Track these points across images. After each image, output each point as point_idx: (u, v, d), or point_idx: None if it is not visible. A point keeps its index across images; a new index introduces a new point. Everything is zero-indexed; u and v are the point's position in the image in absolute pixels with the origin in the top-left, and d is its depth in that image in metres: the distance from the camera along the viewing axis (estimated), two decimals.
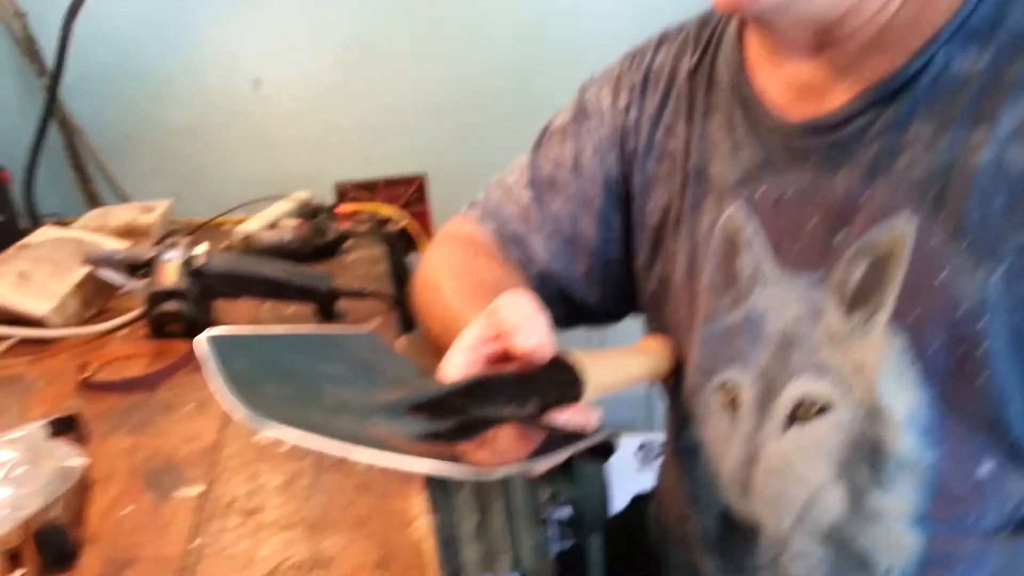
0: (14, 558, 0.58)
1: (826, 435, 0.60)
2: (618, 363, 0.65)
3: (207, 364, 0.44)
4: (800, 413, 0.62)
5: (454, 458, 0.43)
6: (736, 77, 0.66)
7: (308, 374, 0.49)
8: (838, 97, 0.59)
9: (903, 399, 0.56)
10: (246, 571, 0.57)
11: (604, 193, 0.78)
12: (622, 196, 0.78)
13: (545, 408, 0.52)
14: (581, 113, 0.80)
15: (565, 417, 0.51)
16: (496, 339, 0.54)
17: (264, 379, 0.45)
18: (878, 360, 0.57)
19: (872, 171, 0.57)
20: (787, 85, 0.62)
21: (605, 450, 0.50)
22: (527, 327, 0.52)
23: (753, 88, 0.65)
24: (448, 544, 0.66)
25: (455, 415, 0.48)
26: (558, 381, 0.54)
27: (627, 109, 0.76)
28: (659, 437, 1.71)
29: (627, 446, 1.73)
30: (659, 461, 0.91)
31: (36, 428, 0.68)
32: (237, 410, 0.40)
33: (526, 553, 0.66)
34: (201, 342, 0.45)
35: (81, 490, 0.65)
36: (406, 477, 0.66)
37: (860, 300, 0.58)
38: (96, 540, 0.61)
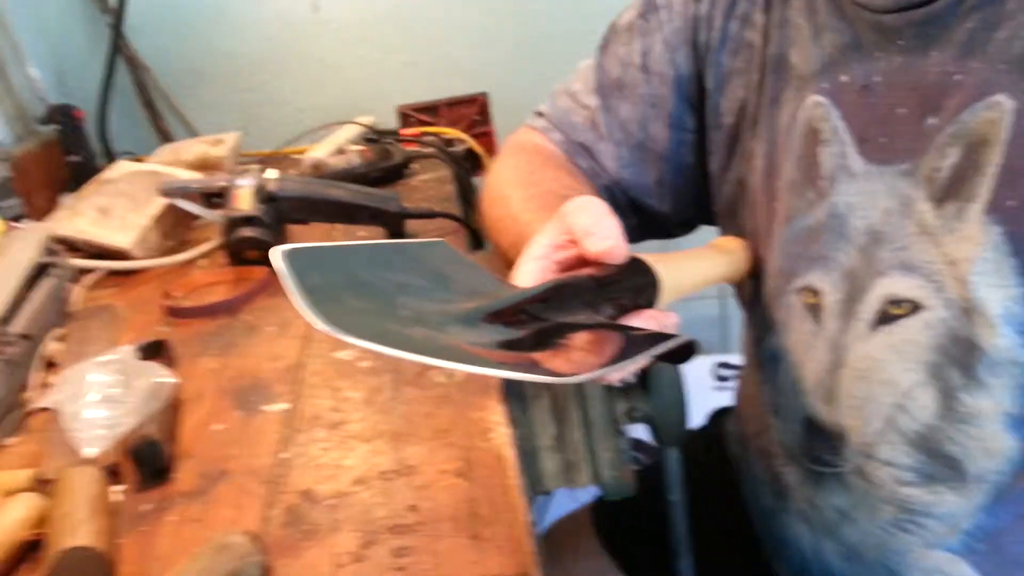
0: (114, 474, 0.61)
1: (916, 335, 0.58)
2: (692, 264, 0.63)
3: (283, 279, 0.44)
4: (888, 313, 0.59)
5: (531, 365, 0.43)
6: None
7: (383, 285, 0.49)
8: None
9: (998, 294, 0.54)
10: (333, 479, 0.59)
11: (675, 92, 0.75)
12: (695, 94, 0.75)
13: (622, 312, 0.51)
14: (649, 6, 0.76)
15: (642, 321, 0.50)
16: (567, 245, 0.53)
17: (340, 291, 0.46)
18: (972, 253, 0.54)
19: (967, 48, 0.53)
20: None
21: (686, 352, 0.49)
22: (598, 230, 0.51)
23: None
24: (527, 455, 0.66)
25: (530, 322, 0.47)
26: (633, 284, 0.52)
27: None
28: (735, 358, 1.69)
29: (703, 366, 1.71)
30: (735, 382, 0.89)
31: (127, 352, 0.71)
32: (317, 323, 0.40)
33: (604, 465, 0.66)
34: (277, 256, 0.45)
35: (173, 408, 0.67)
36: (483, 388, 0.66)
37: (953, 190, 0.55)
38: (189, 455, 0.64)
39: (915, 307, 0.58)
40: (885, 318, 0.60)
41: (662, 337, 0.48)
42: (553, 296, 0.49)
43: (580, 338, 0.47)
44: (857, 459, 0.63)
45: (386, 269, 0.52)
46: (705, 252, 0.69)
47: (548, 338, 0.47)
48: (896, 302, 0.59)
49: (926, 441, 0.59)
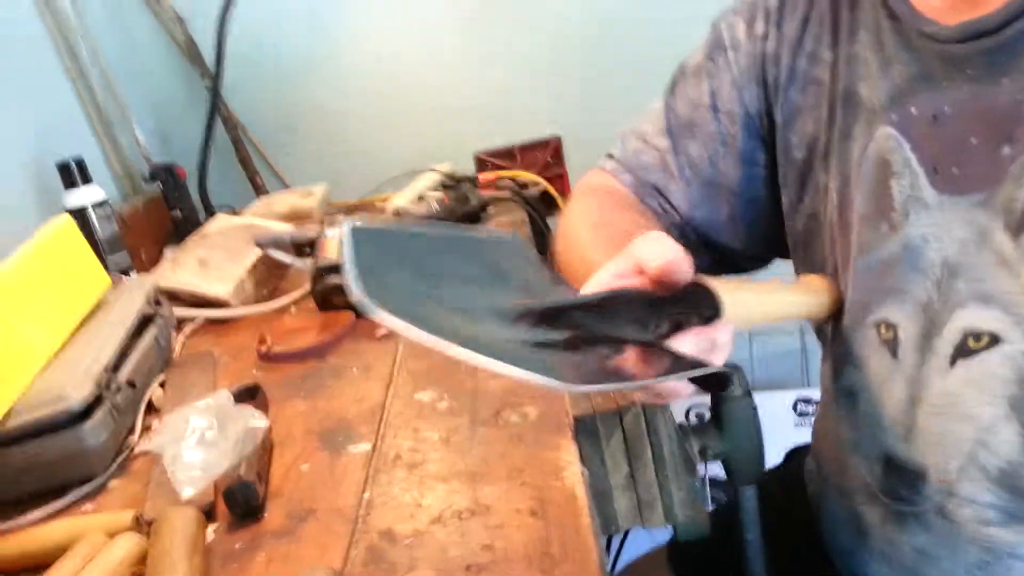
0: (209, 514, 0.65)
1: (996, 369, 0.57)
2: (769, 297, 0.63)
3: (342, 251, 0.46)
4: (967, 347, 0.58)
5: (541, 366, 0.42)
6: None
7: (437, 270, 0.50)
8: None
9: None
10: (412, 519, 0.61)
11: (745, 129, 0.76)
12: (766, 130, 0.75)
13: (677, 329, 0.51)
14: (716, 47, 0.77)
15: (691, 336, 0.50)
16: (633, 275, 0.53)
17: (391, 269, 0.47)
18: None
19: None
20: None
21: (719, 382, 0.49)
22: (661, 250, 0.51)
23: None
24: (600, 494, 0.67)
25: (570, 328, 0.47)
26: (692, 306, 0.52)
27: (765, 37, 0.73)
28: (816, 393, 1.65)
29: (783, 401, 1.68)
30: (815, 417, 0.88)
31: (223, 397, 0.75)
32: (353, 293, 0.42)
33: (677, 505, 0.66)
34: (343, 230, 0.47)
35: (264, 450, 0.71)
36: (557, 427, 0.68)
37: None
38: (279, 495, 0.67)
39: (994, 340, 0.57)
40: (963, 352, 0.58)
41: (694, 364, 0.48)
42: (602, 306, 0.49)
43: (621, 353, 0.48)
44: (938, 497, 0.62)
45: (446, 255, 0.53)
46: (787, 287, 0.69)
47: (583, 346, 0.47)
48: (975, 335, 0.58)
49: (1009, 478, 0.57)
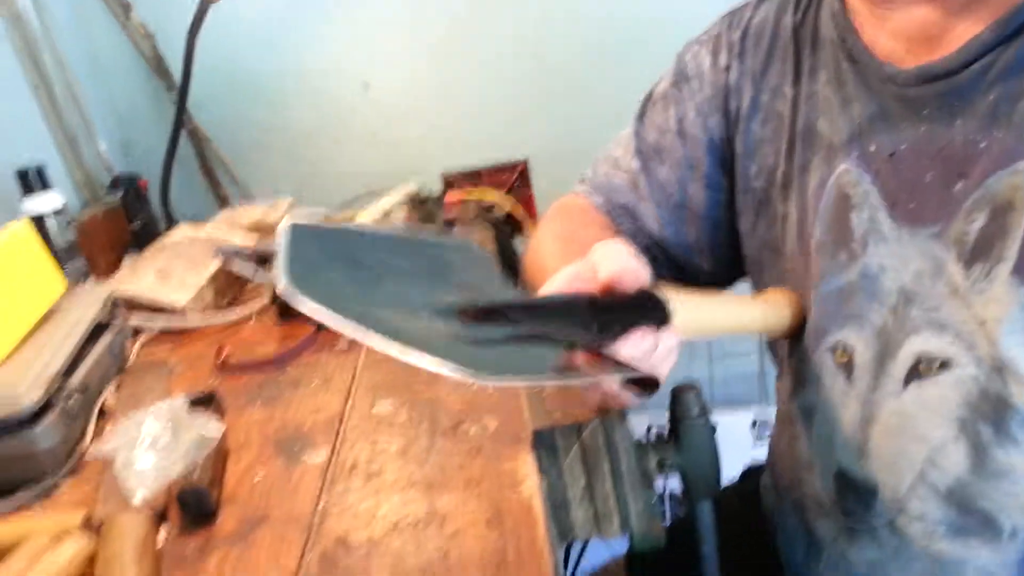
0: (161, 518, 0.64)
1: (947, 392, 0.59)
2: (725, 307, 0.64)
3: (277, 248, 0.45)
4: (919, 371, 0.60)
5: (466, 360, 0.41)
6: (843, 30, 0.65)
7: (376, 267, 0.50)
8: (953, 41, 0.57)
9: None
10: (368, 528, 0.61)
11: (709, 155, 0.78)
12: (727, 158, 0.77)
13: (622, 334, 0.51)
14: (681, 77, 0.79)
15: (636, 338, 0.50)
16: (590, 280, 0.53)
17: (327, 265, 0.46)
18: (1001, 313, 0.55)
19: (991, 118, 0.55)
20: (897, 34, 0.60)
21: (650, 385, 0.50)
22: (614, 257, 0.52)
23: (862, 40, 0.63)
24: (558, 506, 0.67)
25: (506, 326, 0.47)
26: (639, 311, 0.52)
27: (727, 69, 0.75)
28: (773, 413, 1.67)
29: (741, 421, 1.70)
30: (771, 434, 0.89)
31: (178, 402, 0.74)
32: (280, 282, 0.41)
33: (634, 516, 0.66)
34: (282, 228, 0.47)
35: (218, 457, 0.70)
36: (515, 439, 0.68)
37: (980, 252, 0.56)
38: (232, 501, 0.66)
39: (945, 364, 0.59)
40: (916, 375, 0.60)
41: (621, 367, 0.49)
42: (543, 308, 0.49)
43: (552, 352, 0.48)
44: (889, 514, 0.63)
45: (388, 254, 0.52)
46: (746, 299, 0.70)
47: (515, 343, 0.47)
48: (927, 360, 0.60)
49: (957, 496, 0.59)
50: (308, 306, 0.40)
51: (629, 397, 0.53)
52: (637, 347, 0.50)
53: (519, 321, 0.48)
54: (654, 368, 0.52)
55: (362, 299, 0.45)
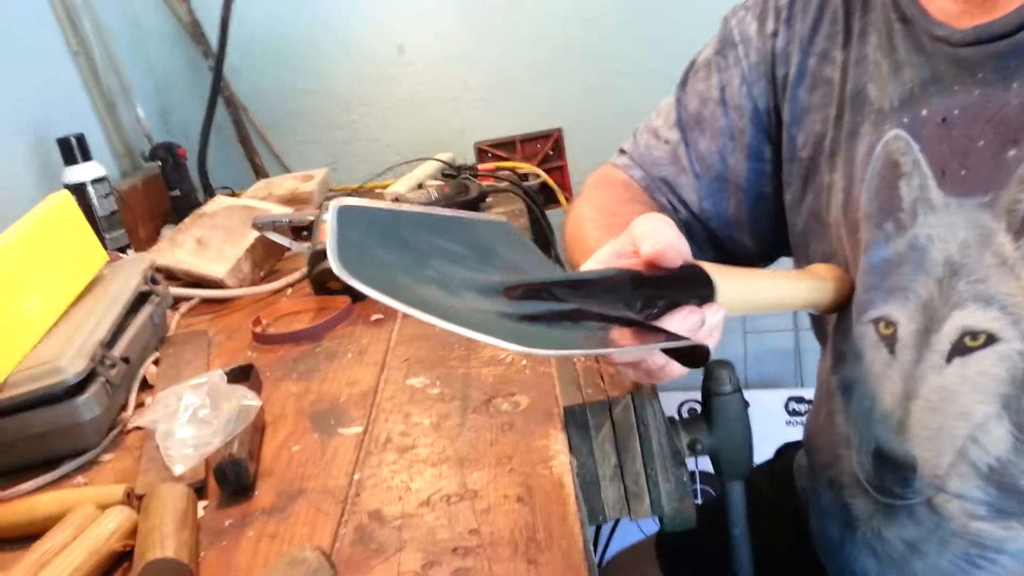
0: (199, 491, 0.66)
1: (991, 368, 0.58)
2: (767, 282, 0.63)
3: (328, 229, 0.46)
4: (963, 345, 0.59)
5: (511, 334, 0.42)
6: None
7: (422, 247, 0.50)
8: (1011, 0, 0.55)
9: None
10: (401, 501, 0.62)
11: (753, 124, 0.76)
12: (773, 127, 0.76)
13: (669, 310, 0.51)
14: (726, 43, 0.78)
15: (681, 316, 0.50)
16: (632, 255, 0.54)
17: (375, 245, 0.47)
18: None
19: None
20: None
21: (699, 357, 0.49)
22: (655, 234, 0.52)
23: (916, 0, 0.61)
24: (588, 484, 0.68)
25: (551, 302, 0.48)
26: (686, 286, 0.53)
27: (775, 34, 0.73)
28: (808, 392, 1.66)
29: (775, 400, 1.69)
30: (809, 411, 0.89)
31: (216, 376, 0.76)
32: (331, 263, 0.43)
33: (664, 496, 0.67)
34: (331, 208, 0.48)
35: (256, 430, 0.71)
36: (547, 417, 0.68)
37: None
38: (270, 474, 0.68)
39: (991, 339, 0.58)
40: (960, 350, 0.59)
41: (671, 338, 0.49)
42: (587, 285, 0.50)
43: (599, 328, 0.48)
44: (928, 491, 0.62)
45: (433, 234, 0.53)
46: (791, 274, 0.70)
47: (560, 319, 0.47)
48: (972, 334, 0.59)
49: (998, 475, 0.58)
50: (363, 289, 0.41)
51: (677, 369, 0.53)
52: (683, 324, 0.50)
53: (563, 298, 0.48)
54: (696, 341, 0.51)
55: (412, 279, 0.45)
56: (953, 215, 0.59)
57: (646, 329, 0.50)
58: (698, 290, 0.54)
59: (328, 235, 0.45)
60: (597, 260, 0.54)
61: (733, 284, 0.56)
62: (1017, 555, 0.58)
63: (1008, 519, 0.58)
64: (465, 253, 0.53)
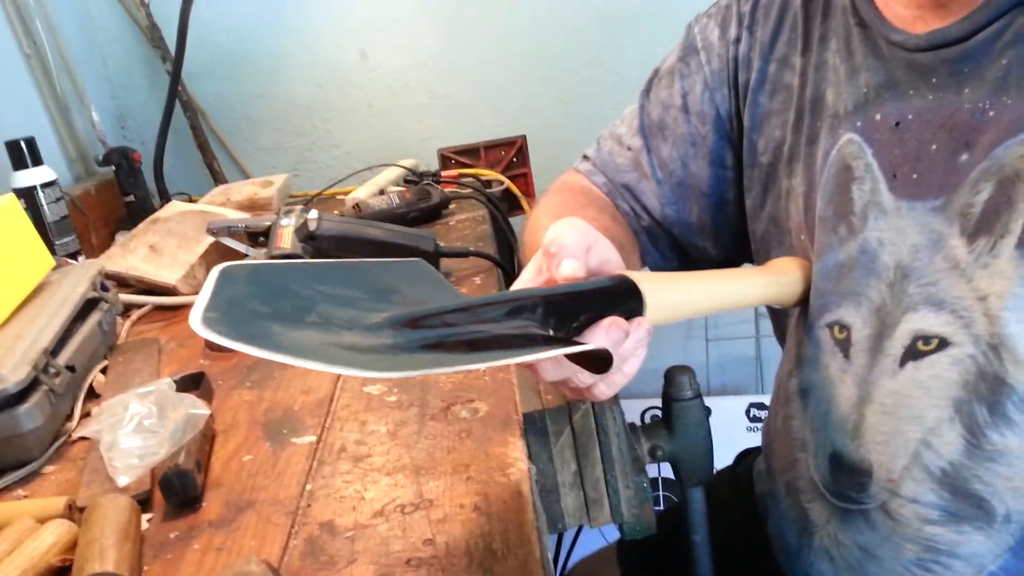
0: (145, 503, 0.63)
1: (943, 372, 0.57)
2: (707, 285, 0.61)
3: (203, 289, 0.44)
4: (916, 349, 0.59)
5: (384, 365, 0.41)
6: None
7: (311, 296, 0.48)
8: (965, 6, 0.55)
9: None
10: (354, 512, 0.60)
11: (715, 130, 0.76)
12: (735, 132, 0.76)
13: (587, 325, 0.49)
14: (689, 50, 0.78)
15: (602, 330, 0.48)
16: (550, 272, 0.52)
17: (253, 300, 0.45)
18: (1003, 289, 0.54)
19: (1001, 85, 0.53)
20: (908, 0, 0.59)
21: (602, 363, 0.47)
22: (558, 250, 0.50)
23: (874, 4, 0.62)
24: (548, 492, 0.67)
25: (443, 329, 0.46)
26: (609, 299, 0.51)
27: (737, 41, 0.74)
28: (769, 399, 1.67)
29: (736, 406, 1.70)
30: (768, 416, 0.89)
31: (164, 384, 0.73)
32: (193, 322, 0.40)
33: (625, 504, 0.66)
34: (212, 273, 0.47)
35: (205, 439, 0.69)
36: (505, 424, 0.67)
37: (985, 225, 0.55)
38: (218, 485, 0.66)
39: (943, 343, 0.58)
40: (913, 354, 0.59)
41: (563, 344, 0.46)
42: (479, 308, 0.47)
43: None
44: (882, 496, 0.62)
45: (329, 284, 0.51)
46: (746, 272, 0.69)
47: (457, 346, 0.45)
48: (924, 338, 0.59)
49: (951, 479, 0.58)
50: (219, 340, 0.39)
51: (603, 389, 0.52)
52: (605, 339, 0.48)
53: (456, 323, 0.46)
54: (624, 361, 0.50)
55: (287, 327, 0.43)
56: (904, 219, 0.59)
57: (551, 343, 0.48)
58: (626, 303, 0.52)
59: (202, 294, 0.43)
60: (523, 280, 0.53)
61: (667, 292, 0.55)
62: (969, 559, 0.58)
63: (960, 523, 0.58)
64: (360, 296, 0.51)
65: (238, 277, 0.47)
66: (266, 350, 0.38)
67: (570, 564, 0.97)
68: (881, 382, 0.61)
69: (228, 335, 0.39)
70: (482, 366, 0.43)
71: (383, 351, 0.43)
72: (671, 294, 0.55)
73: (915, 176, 0.59)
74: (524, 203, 1.44)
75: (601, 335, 0.47)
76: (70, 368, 0.79)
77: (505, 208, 1.39)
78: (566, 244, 0.51)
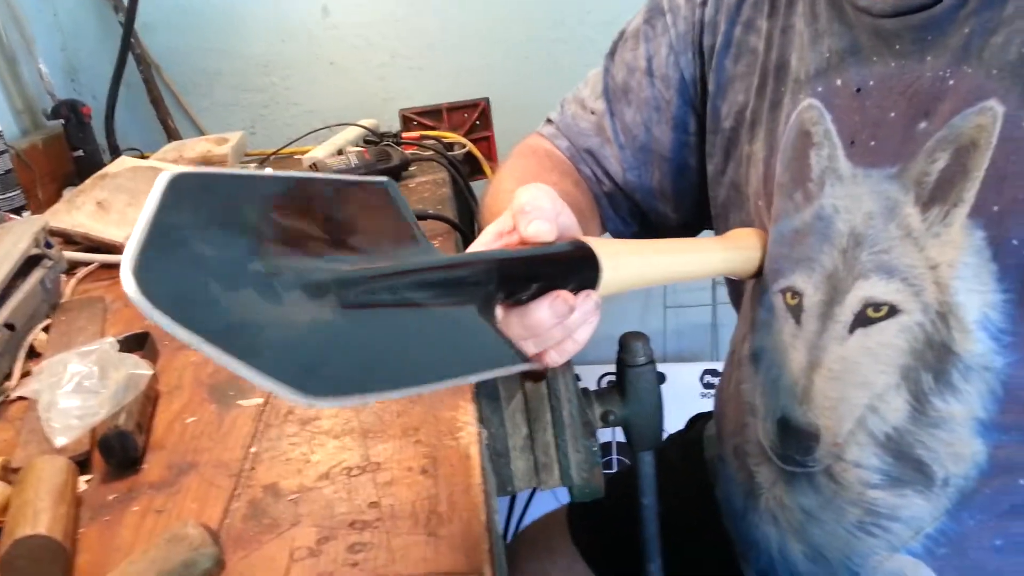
0: (83, 464, 0.62)
1: (892, 339, 0.58)
2: (667, 256, 0.61)
3: (147, 204, 0.37)
4: (866, 316, 0.59)
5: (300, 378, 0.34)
6: None
7: (260, 228, 0.41)
8: None
9: (976, 300, 0.53)
10: (299, 474, 0.59)
11: (679, 95, 0.76)
12: (698, 98, 0.75)
13: (539, 295, 0.47)
14: (655, 12, 0.77)
15: (547, 302, 0.47)
16: (513, 232, 0.51)
17: (197, 232, 0.38)
18: (954, 258, 0.54)
19: (963, 54, 0.53)
20: None
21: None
22: (531, 210, 0.50)
23: None
24: (499, 456, 0.66)
25: (388, 295, 0.42)
26: (565, 267, 0.50)
27: (703, 3, 0.73)
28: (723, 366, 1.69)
29: (691, 373, 1.71)
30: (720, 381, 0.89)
31: (107, 343, 0.71)
32: (124, 267, 0.33)
33: (574, 467, 0.65)
34: (160, 180, 0.38)
35: (148, 401, 0.68)
36: (458, 389, 0.66)
37: (939, 194, 0.54)
38: (160, 447, 0.64)
39: (892, 311, 0.58)
40: (862, 320, 0.59)
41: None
42: (422, 272, 0.44)
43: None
44: (827, 460, 0.63)
45: (286, 209, 0.44)
46: (704, 242, 0.68)
47: (400, 319, 0.41)
48: (874, 305, 0.59)
49: (895, 444, 0.59)
50: (148, 309, 0.32)
51: (534, 348, 0.50)
52: (549, 311, 0.47)
53: (401, 291, 0.42)
54: (573, 330, 0.49)
55: (227, 283, 0.36)
56: (860, 186, 0.59)
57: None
58: (582, 272, 0.51)
59: (140, 220, 0.35)
60: (480, 243, 0.52)
61: (625, 262, 0.54)
62: (908, 522, 0.59)
63: (902, 487, 0.59)
64: (316, 233, 0.45)
65: (187, 192, 0.39)
66: (195, 333, 0.33)
67: (522, 526, 0.98)
68: (831, 348, 0.62)
69: (158, 301, 0.32)
70: (426, 389, 0.40)
71: (321, 330, 0.38)
72: (629, 262, 0.54)
73: (873, 143, 0.58)
74: (486, 167, 1.42)
75: (546, 307, 0.47)
76: (8, 326, 0.77)
77: (467, 171, 1.37)
78: (543, 207, 0.50)
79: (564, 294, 0.47)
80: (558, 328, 0.48)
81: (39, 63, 1.45)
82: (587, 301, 0.49)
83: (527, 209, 0.50)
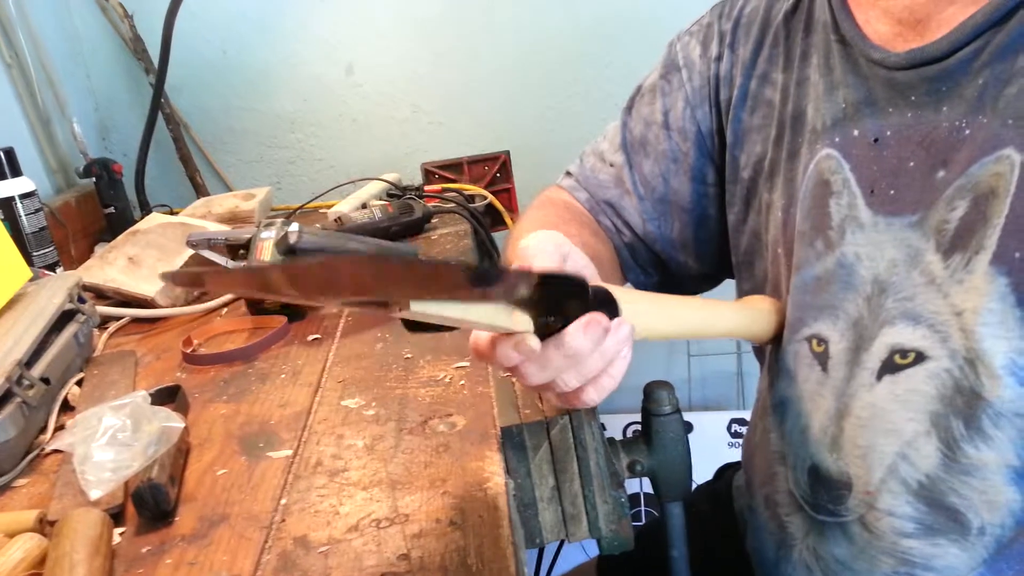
0: (117, 516, 0.62)
1: (920, 385, 0.58)
2: (683, 311, 0.62)
3: None
4: (893, 363, 0.59)
5: None
6: (837, 13, 0.64)
7: None
8: (944, 25, 0.56)
9: (1003, 345, 0.54)
10: (329, 526, 0.60)
11: (696, 147, 0.77)
12: (716, 149, 0.77)
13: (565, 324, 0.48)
14: (671, 67, 0.79)
15: (582, 322, 0.47)
16: None
17: None
18: (978, 304, 0.54)
19: (978, 104, 0.54)
20: (888, 15, 0.60)
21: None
22: (537, 255, 0.51)
23: (855, 20, 0.62)
24: (526, 507, 0.66)
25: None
26: (583, 300, 0.49)
27: (719, 58, 0.74)
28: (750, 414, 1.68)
29: (718, 422, 1.69)
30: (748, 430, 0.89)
31: (139, 397, 0.72)
32: None
33: (603, 519, 0.65)
34: None
35: (179, 453, 0.68)
36: (483, 438, 0.67)
37: (960, 241, 0.55)
38: (192, 499, 0.65)
39: (920, 357, 0.58)
40: (890, 367, 0.60)
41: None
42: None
43: None
44: (860, 509, 0.62)
45: None
46: (723, 305, 0.69)
47: None
48: (901, 352, 0.59)
49: (928, 491, 0.58)
50: None
51: (591, 395, 0.51)
52: (585, 336, 0.47)
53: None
54: (610, 363, 0.50)
55: None
56: (881, 234, 0.60)
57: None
58: (602, 309, 0.51)
59: None
60: None
61: (644, 309, 0.55)
62: (944, 572, 0.59)
63: (936, 536, 0.58)
64: None
65: None
66: None
67: None
68: (859, 395, 0.62)
69: None
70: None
71: None
72: (647, 309, 0.55)
73: (892, 192, 0.59)
74: (507, 218, 1.44)
75: (580, 331, 0.47)
76: (44, 380, 0.78)
77: (488, 223, 1.39)
78: (546, 249, 0.52)
79: (597, 315, 0.47)
80: (596, 356, 0.48)
81: (72, 123, 1.49)
82: (621, 327, 0.49)
83: (530, 253, 0.51)
